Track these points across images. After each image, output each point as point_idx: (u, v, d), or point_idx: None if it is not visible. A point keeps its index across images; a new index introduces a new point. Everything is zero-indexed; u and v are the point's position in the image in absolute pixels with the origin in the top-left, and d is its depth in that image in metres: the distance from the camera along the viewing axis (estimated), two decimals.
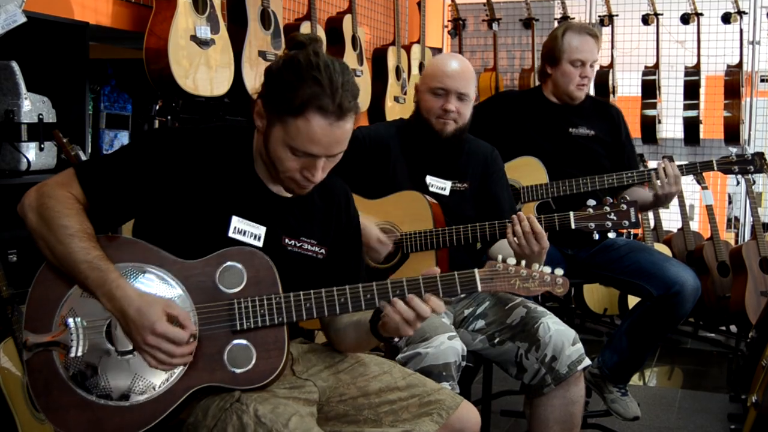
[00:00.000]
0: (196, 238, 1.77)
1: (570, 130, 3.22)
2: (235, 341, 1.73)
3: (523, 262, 1.88)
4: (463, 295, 2.60)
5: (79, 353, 1.69)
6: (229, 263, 1.75)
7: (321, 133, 1.69)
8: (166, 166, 1.77)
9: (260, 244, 1.82)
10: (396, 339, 1.83)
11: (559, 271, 1.89)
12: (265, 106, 1.74)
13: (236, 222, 1.80)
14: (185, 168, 1.78)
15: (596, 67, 3.25)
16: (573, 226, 2.41)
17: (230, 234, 1.79)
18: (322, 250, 1.92)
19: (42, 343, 1.70)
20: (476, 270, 1.85)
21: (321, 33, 4.00)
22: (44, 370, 1.70)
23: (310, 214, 1.92)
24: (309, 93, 1.66)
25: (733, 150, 3.17)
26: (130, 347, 1.69)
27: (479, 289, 1.84)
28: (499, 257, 1.87)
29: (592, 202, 2.40)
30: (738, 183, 5.35)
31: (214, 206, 1.79)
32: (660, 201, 3.04)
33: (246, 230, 1.81)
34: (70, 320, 1.69)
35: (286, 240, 1.86)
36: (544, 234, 2.30)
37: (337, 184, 2.01)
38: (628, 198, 2.38)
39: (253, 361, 1.72)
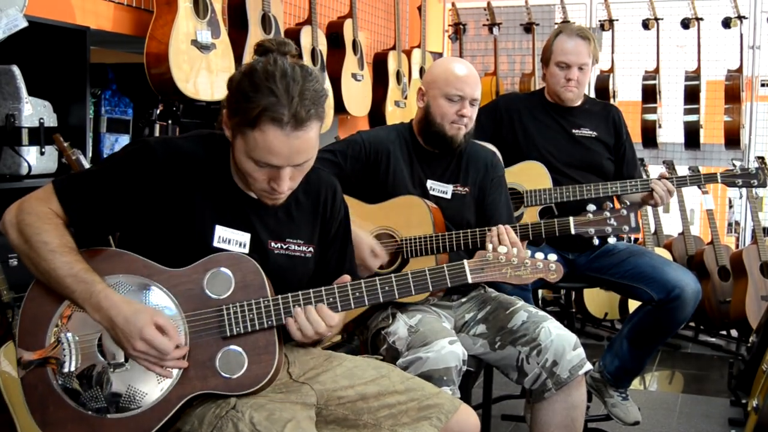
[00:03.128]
0: (181, 250, 1.76)
1: (573, 131, 3.22)
2: (226, 347, 1.72)
3: (515, 249, 1.87)
4: (460, 299, 2.60)
5: (72, 368, 1.70)
6: (216, 269, 1.74)
7: (279, 144, 1.65)
8: (145, 179, 1.75)
9: (246, 251, 1.80)
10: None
11: (552, 257, 1.90)
12: (229, 117, 1.72)
13: (220, 231, 1.79)
14: (165, 181, 1.76)
15: (590, 70, 3.22)
16: (573, 232, 2.42)
17: (215, 243, 1.78)
18: (310, 249, 1.91)
19: (35, 360, 1.70)
20: (465, 261, 1.86)
21: (322, 37, 4.00)
22: (39, 386, 1.71)
23: (294, 215, 1.90)
24: (264, 104, 1.62)
25: (738, 163, 3.16)
26: (122, 360, 1.70)
27: (469, 279, 1.84)
28: (489, 246, 1.87)
29: (592, 207, 2.40)
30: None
31: (197, 217, 1.78)
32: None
33: (230, 238, 1.80)
34: (62, 335, 1.70)
35: (272, 244, 1.85)
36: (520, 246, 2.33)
37: (323, 178, 1.99)
38: (628, 203, 2.39)
39: (245, 366, 1.72)
